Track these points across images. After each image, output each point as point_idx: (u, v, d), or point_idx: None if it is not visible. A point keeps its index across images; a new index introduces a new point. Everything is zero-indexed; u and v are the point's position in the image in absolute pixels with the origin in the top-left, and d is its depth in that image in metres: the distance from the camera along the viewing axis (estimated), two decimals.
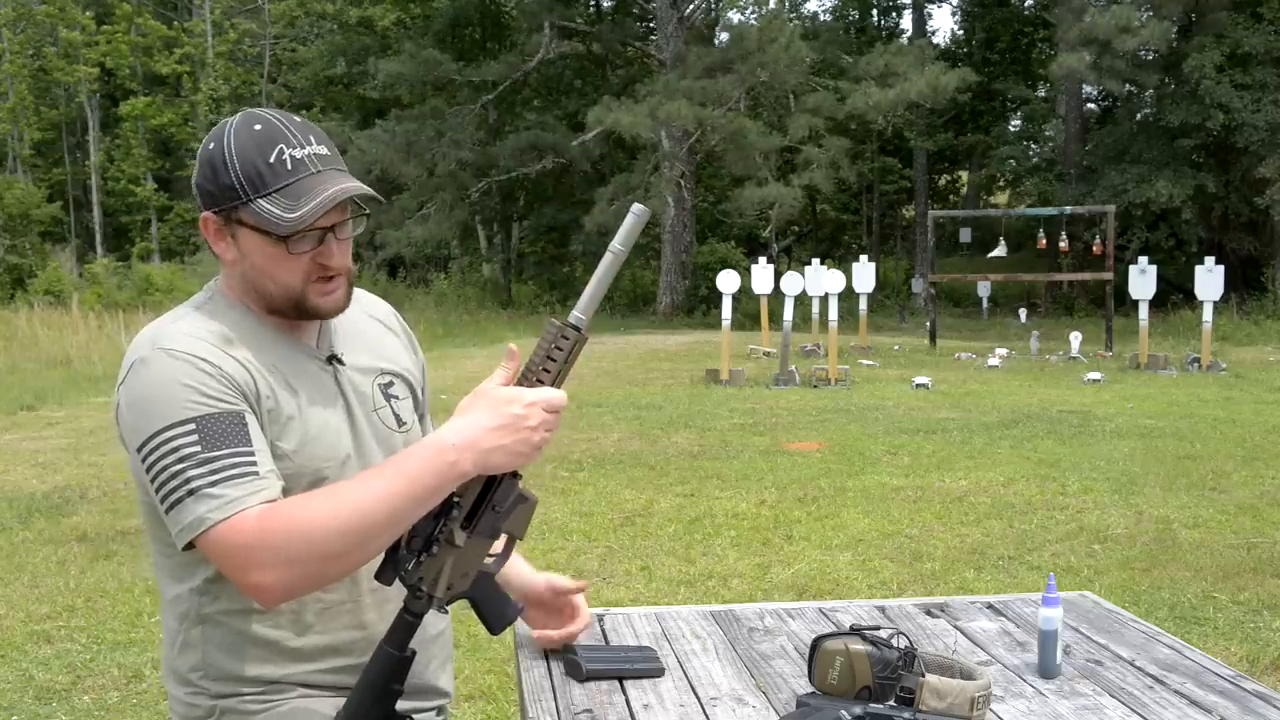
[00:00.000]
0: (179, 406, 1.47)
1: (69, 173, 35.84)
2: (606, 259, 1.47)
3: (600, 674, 1.93)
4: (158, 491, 1.46)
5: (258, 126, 1.53)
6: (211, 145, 1.55)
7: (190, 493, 1.44)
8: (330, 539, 1.42)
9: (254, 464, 1.47)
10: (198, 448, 1.45)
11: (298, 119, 1.57)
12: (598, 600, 5.10)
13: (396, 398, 1.74)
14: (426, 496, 1.44)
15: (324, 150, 1.55)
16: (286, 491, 1.51)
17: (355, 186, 1.53)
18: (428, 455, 1.44)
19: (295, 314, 1.61)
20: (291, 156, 1.52)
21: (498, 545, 1.57)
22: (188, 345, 1.52)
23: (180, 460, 1.45)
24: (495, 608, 1.61)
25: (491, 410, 1.45)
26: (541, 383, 1.47)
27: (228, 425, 1.47)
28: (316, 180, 1.51)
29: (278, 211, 1.49)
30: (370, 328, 1.79)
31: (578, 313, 1.48)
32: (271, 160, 1.51)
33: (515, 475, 1.53)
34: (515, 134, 25.96)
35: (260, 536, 1.42)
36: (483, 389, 1.48)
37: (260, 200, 1.50)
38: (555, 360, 1.48)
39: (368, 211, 1.63)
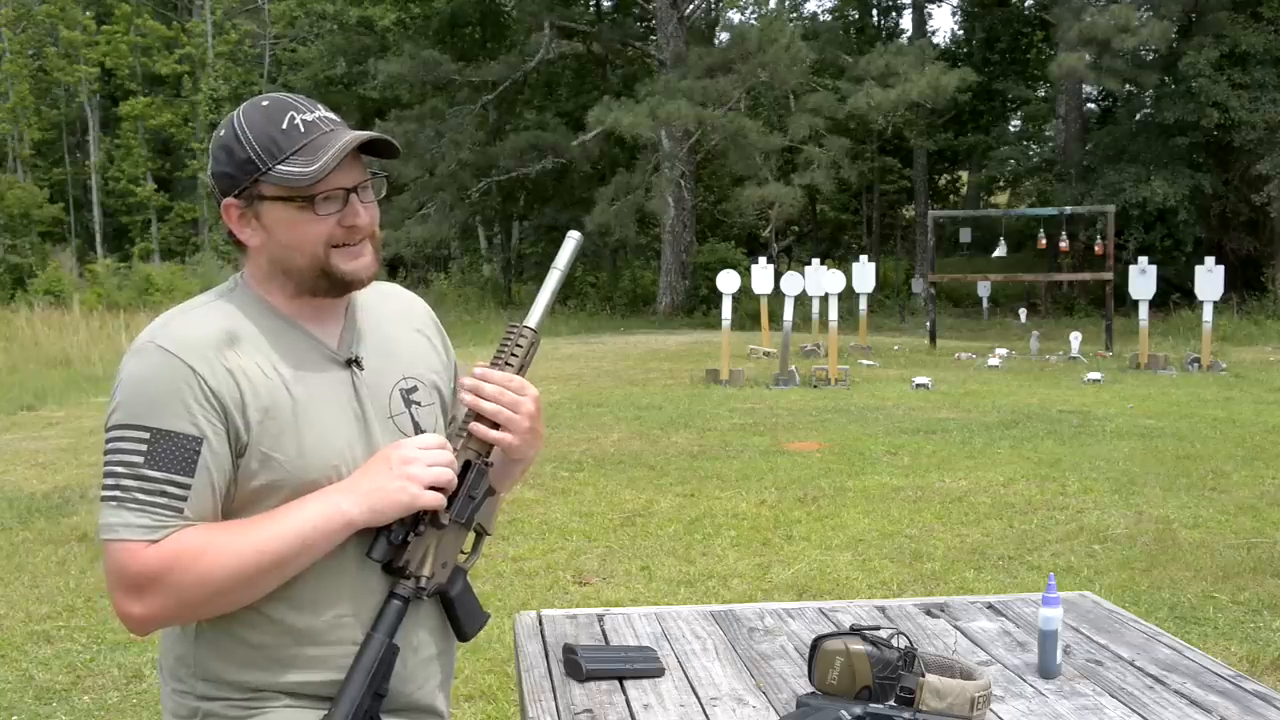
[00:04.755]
0: (146, 409, 1.48)
1: (69, 173, 35.81)
2: (552, 275, 1.75)
3: (600, 674, 1.94)
4: (102, 477, 1.49)
5: (265, 103, 1.56)
6: (223, 132, 1.56)
7: (115, 499, 1.47)
8: (216, 595, 1.49)
9: (183, 499, 1.48)
10: (141, 459, 1.47)
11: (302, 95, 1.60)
12: (598, 600, 5.10)
13: (419, 404, 1.70)
14: (316, 546, 1.52)
15: (333, 115, 1.58)
16: (279, 500, 1.53)
17: (370, 133, 1.55)
18: (320, 507, 1.52)
19: (326, 286, 1.59)
20: (304, 120, 1.53)
21: (468, 544, 1.66)
22: (182, 347, 1.51)
23: (122, 463, 1.47)
24: (469, 610, 1.68)
25: (379, 460, 1.57)
26: (510, 366, 1.67)
27: (180, 449, 1.48)
28: (332, 137, 1.53)
29: (299, 170, 1.50)
30: (399, 330, 1.75)
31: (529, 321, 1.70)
32: (285, 127, 1.52)
33: (486, 463, 1.63)
34: (515, 134, 25.93)
35: (158, 573, 1.46)
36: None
37: (280, 166, 1.51)
38: (514, 355, 1.69)
39: (386, 173, 1.65)
